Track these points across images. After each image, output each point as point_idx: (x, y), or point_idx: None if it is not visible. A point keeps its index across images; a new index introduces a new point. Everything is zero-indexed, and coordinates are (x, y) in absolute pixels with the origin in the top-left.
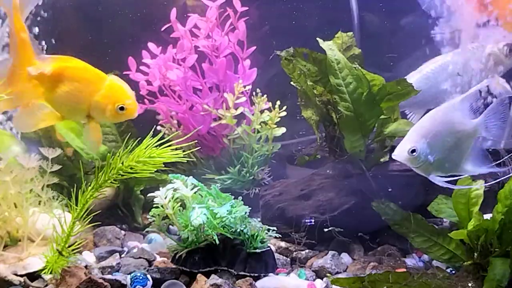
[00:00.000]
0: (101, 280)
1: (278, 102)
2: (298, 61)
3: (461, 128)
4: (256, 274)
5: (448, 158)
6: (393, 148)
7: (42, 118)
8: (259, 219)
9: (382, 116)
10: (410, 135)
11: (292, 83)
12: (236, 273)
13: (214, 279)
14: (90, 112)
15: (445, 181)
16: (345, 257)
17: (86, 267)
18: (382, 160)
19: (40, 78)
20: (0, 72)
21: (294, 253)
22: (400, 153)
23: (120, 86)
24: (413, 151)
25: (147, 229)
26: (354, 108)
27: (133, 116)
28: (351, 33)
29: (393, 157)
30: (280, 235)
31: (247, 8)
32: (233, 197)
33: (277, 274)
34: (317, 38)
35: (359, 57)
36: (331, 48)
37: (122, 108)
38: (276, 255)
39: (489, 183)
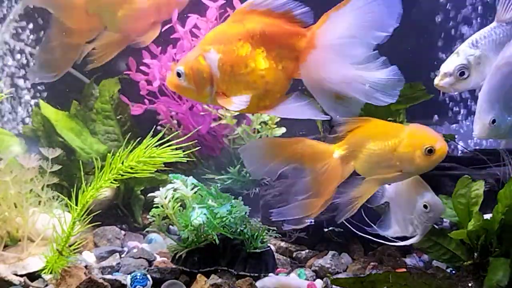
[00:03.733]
0: (101, 280)
1: None
2: None
3: None
4: (256, 274)
5: None
6: None
7: (363, 190)
8: (259, 219)
9: (389, 118)
10: None
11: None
12: (236, 273)
13: (214, 279)
14: (400, 166)
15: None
16: (345, 257)
17: (86, 267)
18: None
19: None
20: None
21: (294, 253)
22: None
23: (422, 130)
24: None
25: (147, 229)
26: (364, 106)
27: (443, 157)
28: None
29: None
30: (280, 235)
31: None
32: (233, 197)
33: (277, 274)
34: None
35: None
36: None
37: (430, 151)
38: (276, 255)
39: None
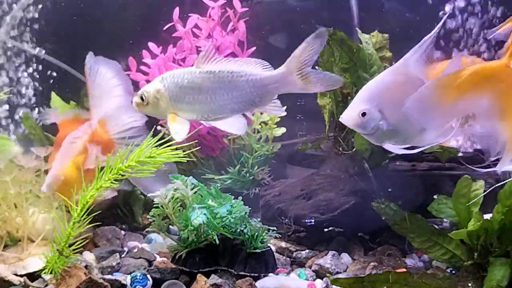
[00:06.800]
0: (101, 280)
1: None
2: (336, 43)
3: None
4: (256, 274)
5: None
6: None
7: None
8: (259, 219)
9: None
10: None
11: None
12: (236, 273)
13: (214, 279)
14: None
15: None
16: (345, 257)
17: (86, 267)
18: (383, 162)
19: None
20: None
21: (294, 253)
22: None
23: None
24: (364, 114)
25: (147, 229)
26: None
27: None
28: (387, 35)
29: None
30: (280, 235)
31: (247, 8)
32: (233, 197)
33: (277, 274)
34: (356, 28)
35: (389, 60)
36: (367, 41)
37: None
38: (276, 255)
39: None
